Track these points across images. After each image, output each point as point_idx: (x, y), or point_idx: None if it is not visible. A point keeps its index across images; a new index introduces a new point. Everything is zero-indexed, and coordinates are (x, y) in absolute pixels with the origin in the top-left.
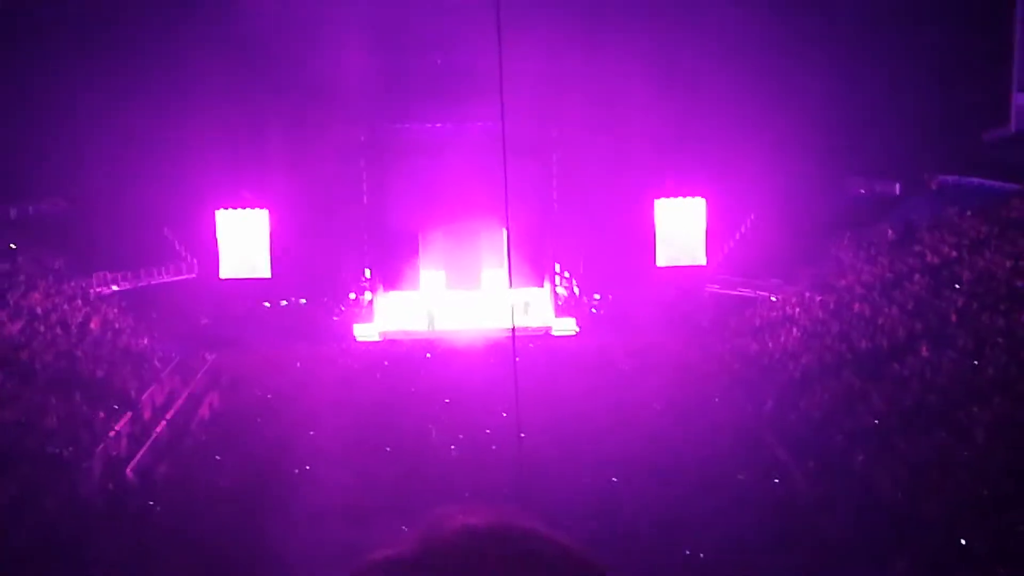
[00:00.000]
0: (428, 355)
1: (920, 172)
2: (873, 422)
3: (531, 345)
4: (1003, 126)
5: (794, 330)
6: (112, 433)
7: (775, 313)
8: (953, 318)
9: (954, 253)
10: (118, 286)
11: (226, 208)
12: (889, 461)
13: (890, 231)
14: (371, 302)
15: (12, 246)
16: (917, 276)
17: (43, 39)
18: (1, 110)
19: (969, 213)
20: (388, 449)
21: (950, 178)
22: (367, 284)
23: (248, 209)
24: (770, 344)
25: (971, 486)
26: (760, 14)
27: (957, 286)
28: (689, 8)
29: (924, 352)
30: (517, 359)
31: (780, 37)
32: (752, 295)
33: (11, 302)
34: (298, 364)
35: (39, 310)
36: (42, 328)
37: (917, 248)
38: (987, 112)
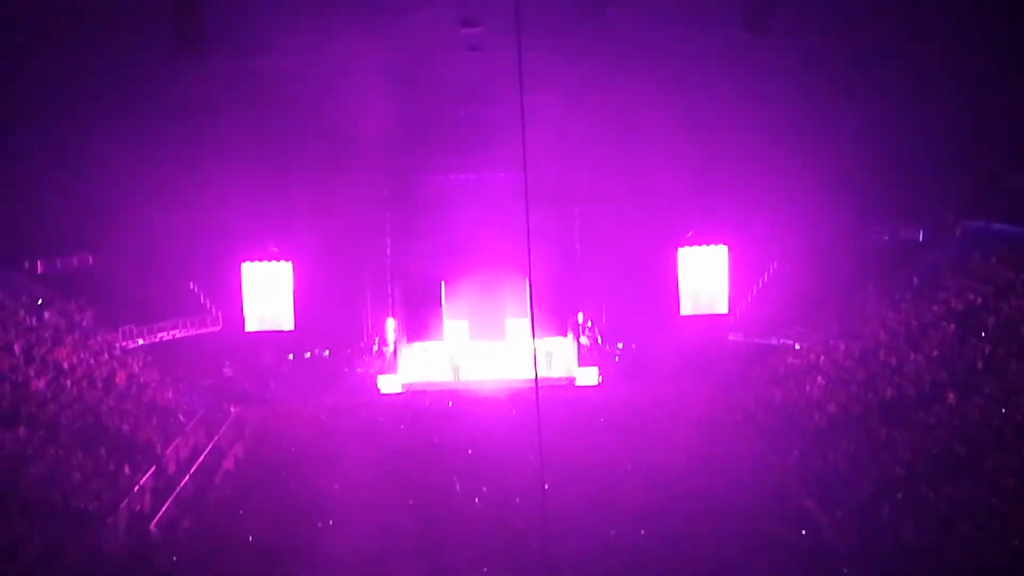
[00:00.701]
0: (450, 403)
1: (944, 218)
2: (900, 471)
3: (555, 395)
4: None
5: (819, 379)
6: (136, 488)
7: (799, 361)
8: (979, 365)
9: (979, 300)
10: (144, 340)
11: (251, 260)
12: (917, 510)
13: (914, 278)
14: (395, 353)
15: (39, 301)
16: (942, 323)
17: (69, 96)
18: (27, 166)
19: (994, 259)
20: (411, 502)
21: (974, 224)
22: (391, 335)
23: (273, 262)
24: (795, 393)
25: (1001, 535)
26: (784, 63)
27: (983, 333)
28: (712, 58)
29: (951, 400)
30: (540, 409)
31: (804, 85)
32: (776, 343)
33: (37, 357)
34: (322, 416)
35: (65, 365)
36: (68, 383)
37: (942, 295)
38: (1011, 158)
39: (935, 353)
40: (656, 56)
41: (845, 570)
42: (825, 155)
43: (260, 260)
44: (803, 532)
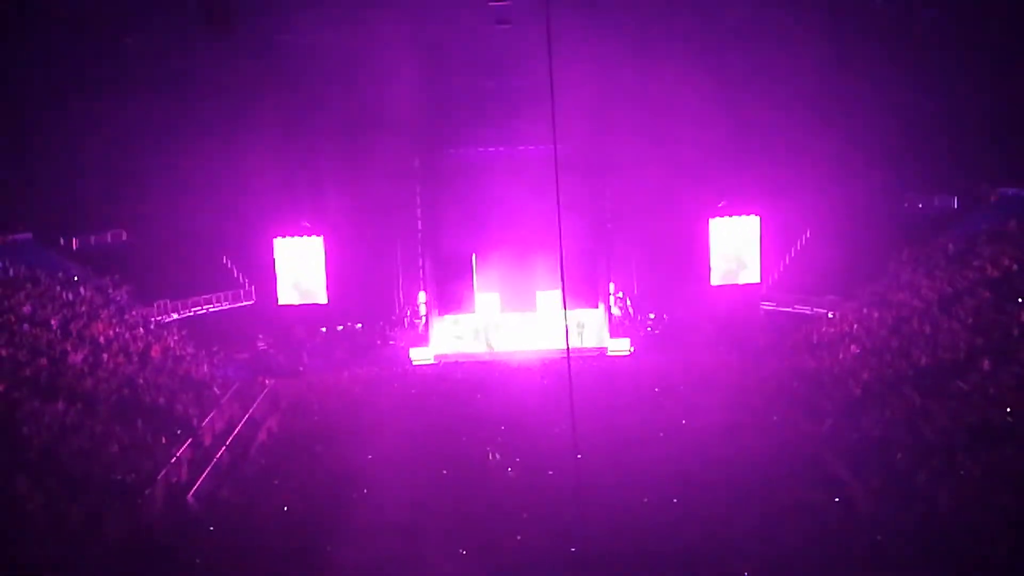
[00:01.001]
0: (483, 372)
1: (979, 185)
2: (935, 439)
3: (586, 366)
4: None
5: (852, 347)
6: (173, 460)
7: (832, 330)
8: (1015, 332)
9: (1015, 266)
10: (178, 314)
11: (283, 236)
12: (952, 478)
13: (949, 245)
14: (427, 325)
15: (75, 277)
16: (978, 290)
17: (102, 74)
18: (64, 145)
19: None
20: (445, 472)
21: (1010, 190)
22: (423, 307)
23: (304, 236)
24: (828, 361)
25: None
26: (812, 32)
27: (1020, 300)
28: (742, 28)
29: (986, 367)
30: (572, 380)
31: (834, 52)
32: (809, 312)
33: (74, 332)
34: (355, 388)
35: (101, 339)
36: (104, 357)
37: (977, 263)
38: None
39: (970, 320)
40: (687, 26)
41: (879, 537)
42: (859, 124)
43: (292, 235)
44: (836, 500)
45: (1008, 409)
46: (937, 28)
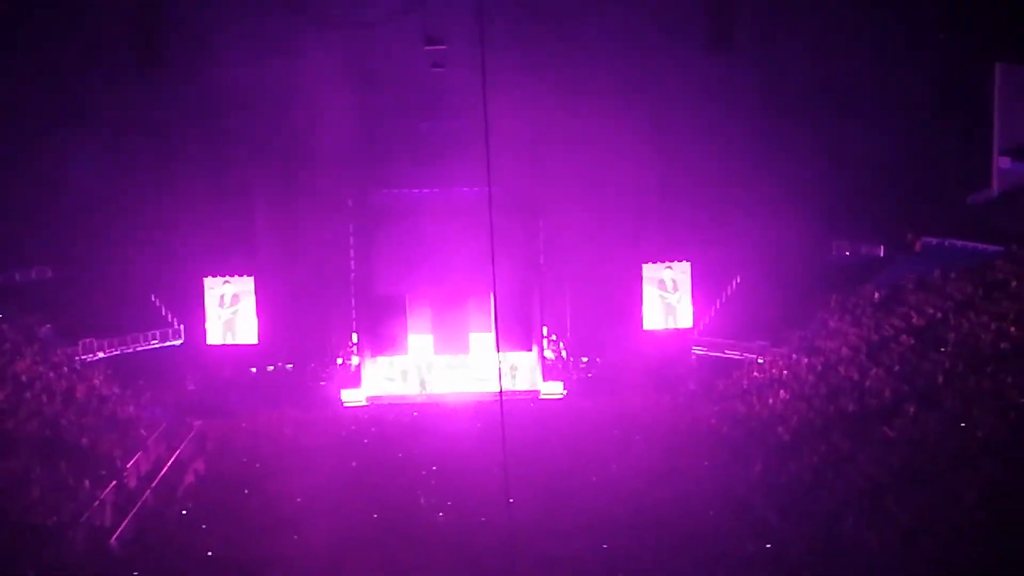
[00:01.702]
0: (415, 414)
1: (904, 234)
2: (863, 484)
3: (519, 408)
4: (986, 189)
5: (782, 392)
6: (96, 502)
7: (762, 375)
8: (940, 379)
9: (939, 315)
10: (104, 353)
11: (213, 275)
12: (880, 524)
13: (875, 293)
14: (359, 367)
15: None
16: (903, 337)
17: (31, 111)
18: None
19: (953, 275)
20: (375, 516)
21: (934, 240)
22: (354, 349)
23: (235, 276)
24: (757, 407)
25: (962, 549)
26: (744, 81)
27: (943, 348)
28: (675, 75)
29: (912, 412)
30: (505, 423)
31: (764, 103)
32: (739, 357)
33: None
34: (285, 430)
35: (24, 378)
36: (27, 395)
37: (902, 310)
38: (970, 175)
39: (896, 367)
40: (621, 72)
41: None
42: (788, 172)
43: (222, 274)
44: (767, 546)
45: (933, 455)
46: (865, 78)
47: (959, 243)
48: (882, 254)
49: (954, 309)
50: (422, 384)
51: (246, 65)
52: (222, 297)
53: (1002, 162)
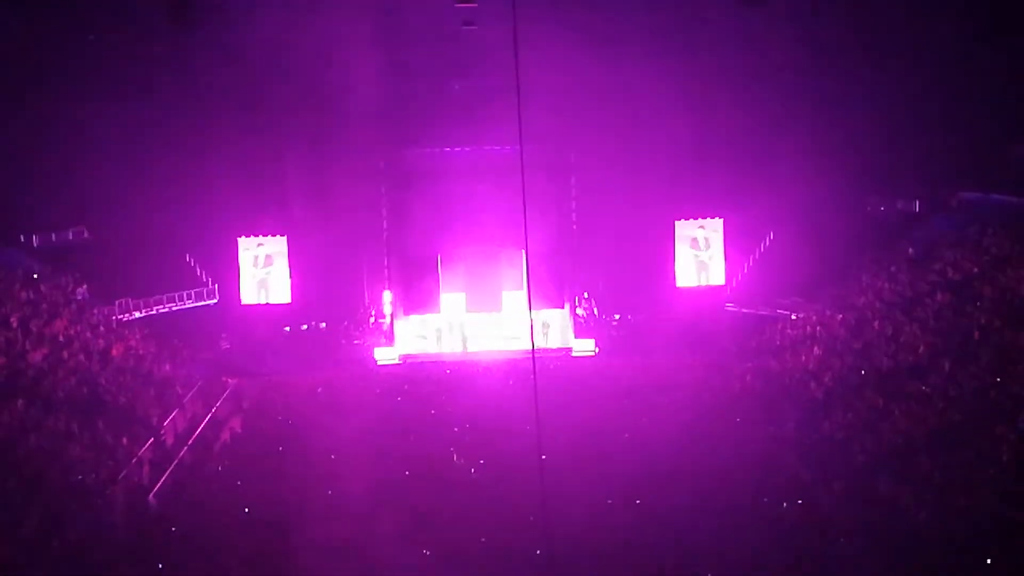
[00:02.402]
0: (448, 371)
1: (940, 189)
2: (897, 441)
3: (551, 366)
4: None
5: (815, 349)
6: (134, 460)
7: (795, 332)
8: (975, 335)
9: (976, 270)
10: (140, 312)
11: (247, 235)
12: (914, 480)
13: (911, 249)
14: (391, 325)
15: (35, 275)
16: (939, 294)
17: (67, 74)
18: (25, 141)
19: (991, 230)
20: (408, 472)
21: (971, 195)
22: (387, 307)
23: (268, 236)
24: (791, 363)
25: (996, 505)
26: (779, 34)
27: (979, 303)
28: (708, 30)
29: (947, 369)
30: (537, 381)
31: (800, 57)
32: (772, 314)
33: (34, 330)
34: (319, 388)
35: (61, 338)
36: (65, 355)
37: (938, 266)
38: (1009, 128)
39: (931, 323)
40: (654, 29)
41: (842, 540)
42: (824, 127)
43: (256, 235)
44: (799, 502)
45: (968, 411)
46: (902, 30)
47: (996, 198)
48: (918, 209)
49: (991, 264)
50: (464, 341)
51: (278, 24)
52: (256, 257)
53: None
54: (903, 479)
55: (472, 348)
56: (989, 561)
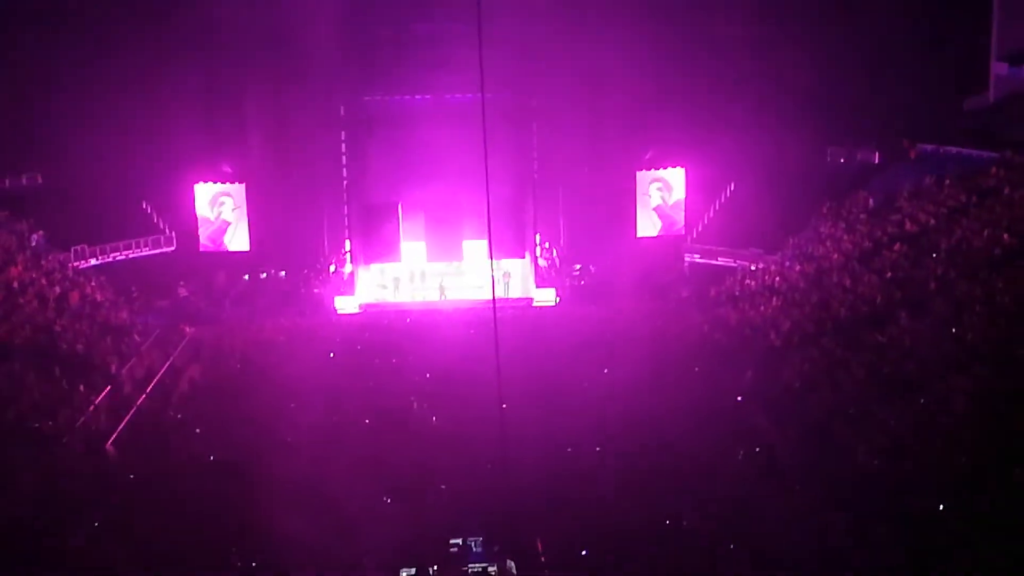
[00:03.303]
0: (408, 320)
1: (899, 141)
2: (853, 390)
3: (512, 316)
4: (982, 95)
5: (774, 299)
6: (91, 408)
7: (754, 283)
8: (932, 286)
9: (932, 221)
10: (97, 260)
11: (204, 181)
12: (869, 429)
13: (869, 200)
14: (351, 274)
15: None
16: (896, 245)
17: (19, 18)
18: None
19: (948, 182)
20: (367, 421)
21: (929, 147)
22: (348, 256)
23: (226, 183)
24: (750, 313)
25: (950, 454)
26: None
27: (935, 255)
28: None
29: (904, 320)
30: (498, 330)
31: (759, 7)
32: (732, 265)
33: None
34: (279, 337)
35: (16, 284)
36: (20, 302)
37: (896, 217)
38: (966, 81)
39: (888, 274)
40: None
41: (797, 487)
42: (783, 78)
43: (214, 181)
44: (756, 449)
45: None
46: None
47: (954, 150)
48: (877, 161)
49: (947, 216)
50: (441, 290)
51: None
52: (213, 203)
53: (998, 68)
54: (859, 428)
55: (450, 297)
56: (941, 507)
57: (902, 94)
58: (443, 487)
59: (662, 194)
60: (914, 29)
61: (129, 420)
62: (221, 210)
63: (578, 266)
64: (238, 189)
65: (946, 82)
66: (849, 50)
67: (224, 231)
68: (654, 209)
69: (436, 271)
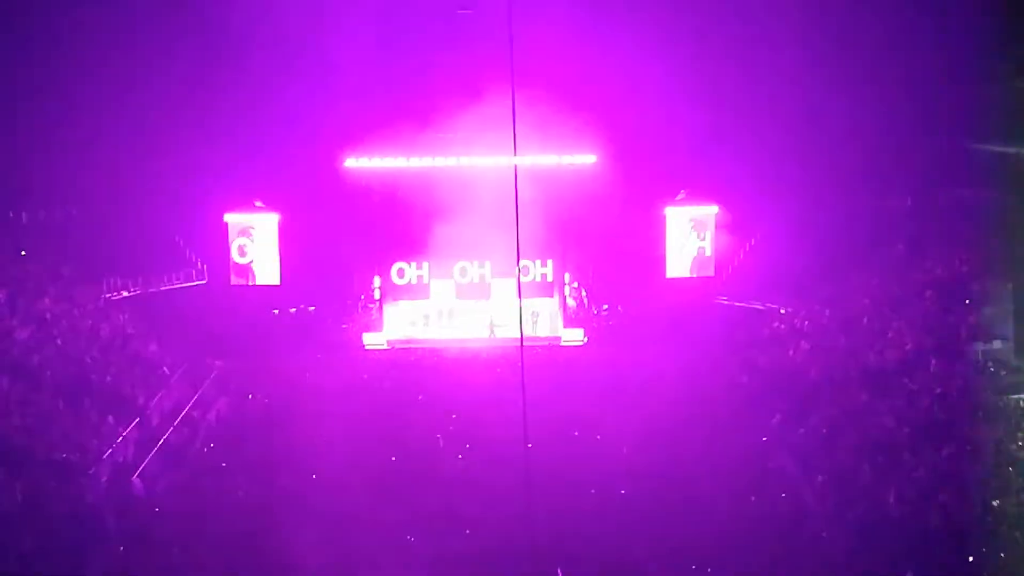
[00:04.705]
0: (436, 358)
1: (931, 187)
2: (882, 437)
3: (540, 355)
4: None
5: (803, 344)
6: (119, 439)
7: (784, 327)
8: (962, 332)
9: (964, 268)
10: (128, 292)
11: (236, 211)
12: (898, 477)
13: (901, 246)
14: (380, 310)
15: (22, 252)
16: (927, 291)
17: (51, 51)
18: (13, 118)
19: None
20: (394, 458)
21: (961, 192)
22: (377, 292)
23: (259, 214)
24: (779, 358)
25: (978, 504)
26: (777, 27)
27: (967, 301)
28: (708, 22)
29: (933, 366)
30: (525, 369)
31: (797, 53)
32: (762, 308)
33: (21, 308)
34: (306, 372)
35: (48, 316)
36: (52, 333)
37: (927, 264)
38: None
39: (918, 321)
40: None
41: (824, 534)
42: (817, 123)
43: (245, 211)
44: (783, 495)
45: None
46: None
47: (986, 195)
48: (909, 206)
49: (980, 264)
50: (491, 328)
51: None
52: (243, 243)
53: None
54: (887, 475)
55: (500, 334)
56: (971, 559)
57: (936, 139)
58: (467, 532)
59: (693, 234)
60: (950, 76)
61: (156, 452)
62: (251, 243)
63: (606, 306)
64: (270, 220)
65: (984, 127)
66: (885, 99)
67: (253, 265)
68: (684, 250)
69: (465, 308)
